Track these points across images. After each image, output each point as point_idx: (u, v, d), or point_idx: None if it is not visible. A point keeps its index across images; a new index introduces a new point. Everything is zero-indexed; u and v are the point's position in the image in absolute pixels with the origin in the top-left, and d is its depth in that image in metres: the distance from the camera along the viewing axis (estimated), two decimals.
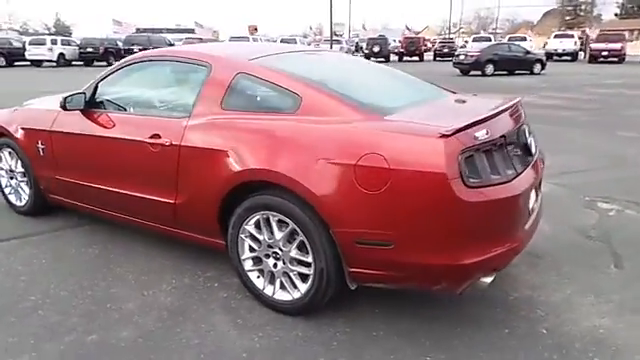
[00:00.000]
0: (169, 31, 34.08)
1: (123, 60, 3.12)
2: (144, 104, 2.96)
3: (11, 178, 3.77)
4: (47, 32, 69.27)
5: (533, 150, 2.48)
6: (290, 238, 2.32)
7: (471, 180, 1.96)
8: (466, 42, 34.87)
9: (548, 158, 2.96)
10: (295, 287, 2.37)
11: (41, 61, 24.24)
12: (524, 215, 2.25)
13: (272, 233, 2.35)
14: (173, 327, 2.36)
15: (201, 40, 26.24)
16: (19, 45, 24.57)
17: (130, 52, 24.72)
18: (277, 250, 2.37)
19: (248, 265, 2.51)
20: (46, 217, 3.69)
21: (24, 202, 3.72)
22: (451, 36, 53.35)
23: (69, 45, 25.30)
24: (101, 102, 3.09)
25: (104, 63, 25.31)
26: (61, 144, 3.22)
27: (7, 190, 3.84)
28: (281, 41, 29.45)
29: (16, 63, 24.55)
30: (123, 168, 2.88)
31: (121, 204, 3.02)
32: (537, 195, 2.62)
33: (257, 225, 2.40)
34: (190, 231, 2.73)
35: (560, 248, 3.24)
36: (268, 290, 2.46)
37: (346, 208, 2.11)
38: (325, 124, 2.21)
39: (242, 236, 2.46)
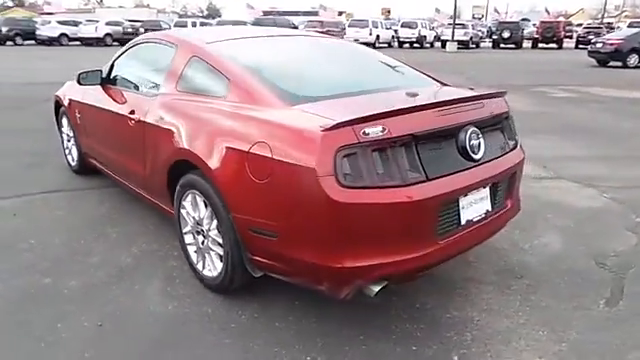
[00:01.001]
0: (295, 14, 35.59)
1: (132, 41, 3.46)
2: (135, 82, 3.25)
3: (68, 141, 4.45)
4: (200, 15, 77.37)
5: (477, 155, 2.17)
6: (212, 218, 2.40)
7: (349, 179, 1.82)
8: (615, 28, 30.03)
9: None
10: (215, 266, 2.46)
11: None
12: (434, 225, 2.00)
13: (199, 211, 2.46)
14: (112, 284, 2.62)
15: (321, 23, 26.87)
16: (167, 27, 27.86)
17: None
18: (204, 228, 2.47)
19: (188, 239, 2.66)
20: (90, 177, 4.28)
21: (74, 163, 4.37)
22: (610, 20, 46.42)
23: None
24: (114, 78, 3.47)
25: None
26: (86, 114, 3.71)
27: (66, 152, 4.54)
28: (402, 25, 28.70)
29: None
30: (117, 138, 3.23)
31: (118, 170, 3.39)
32: (494, 205, 2.30)
33: (191, 202, 2.52)
34: (155, 199, 2.97)
35: (554, 271, 2.79)
36: (199, 265, 2.59)
37: (241, 195, 2.12)
38: (237, 110, 2.22)
39: (182, 211, 2.61)
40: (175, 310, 2.41)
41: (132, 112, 2.91)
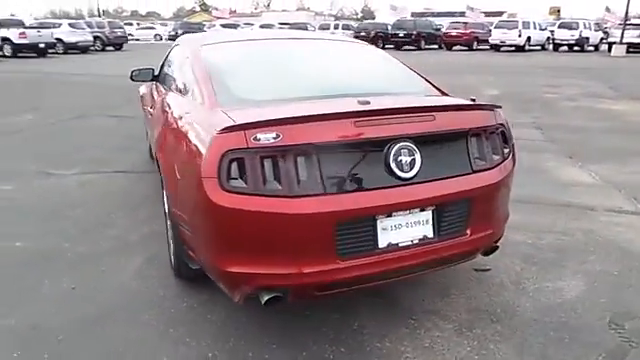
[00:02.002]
0: (440, 15, 34.31)
1: (173, 44, 3.84)
2: (164, 79, 3.58)
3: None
4: (355, 17, 79.71)
5: (406, 173, 1.94)
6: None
7: (233, 184, 1.80)
8: None
9: None
10: (171, 255, 2.64)
11: None
12: (331, 243, 1.85)
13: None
14: (107, 256, 2.98)
15: (465, 25, 25.52)
16: (311, 29, 29.43)
17: (396, 36, 26.23)
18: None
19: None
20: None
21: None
22: None
23: (348, 30, 28.72)
24: (160, 76, 3.90)
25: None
26: (144, 108, 4.24)
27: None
28: (559, 26, 25.64)
29: None
30: (153, 131, 3.64)
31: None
32: (439, 231, 2.04)
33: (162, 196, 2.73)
34: None
35: (543, 322, 2.34)
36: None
37: (172, 189, 2.24)
38: (185, 107, 2.35)
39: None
40: (137, 287, 2.65)
41: (166, 105, 3.26)
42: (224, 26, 31.48)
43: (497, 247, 2.40)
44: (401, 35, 26.05)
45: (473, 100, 2.63)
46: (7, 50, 18.83)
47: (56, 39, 20.60)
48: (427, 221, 2.04)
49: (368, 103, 2.16)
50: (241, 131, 1.80)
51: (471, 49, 25.59)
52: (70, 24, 22.24)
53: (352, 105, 2.09)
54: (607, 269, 2.84)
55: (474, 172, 2.13)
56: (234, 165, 1.80)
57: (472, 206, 2.12)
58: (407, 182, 1.95)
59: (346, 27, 29.17)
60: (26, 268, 2.85)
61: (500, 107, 2.38)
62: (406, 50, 25.80)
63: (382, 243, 1.95)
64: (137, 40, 37.94)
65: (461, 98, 2.62)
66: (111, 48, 24.60)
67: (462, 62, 19.04)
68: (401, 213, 1.97)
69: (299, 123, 1.85)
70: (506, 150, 2.33)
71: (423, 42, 26.08)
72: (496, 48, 24.61)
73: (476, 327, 2.30)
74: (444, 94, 2.66)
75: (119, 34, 24.97)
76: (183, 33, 30.01)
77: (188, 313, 2.42)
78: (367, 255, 1.94)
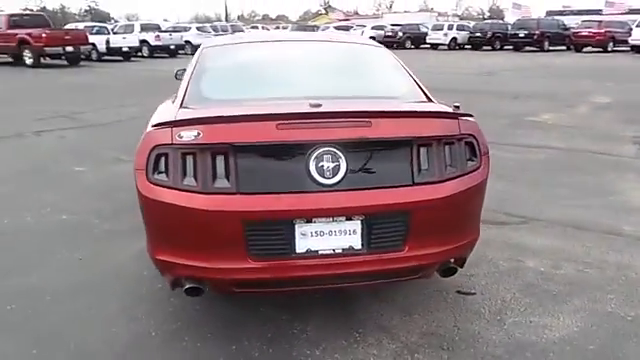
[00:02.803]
0: (580, 13, 30.69)
1: None
2: None
3: None
4: (481, 17, 75.52)
5: (327, 179, 1.87)
6: None
7: (157, 177, 1.91)
8: None
9: None
10: None
11: (437, 44, 27.55)
12: (241, 242, 1.86)
13: None
14: (121, 238, 3.32)
15: (599, 23, 22.63)
16: (425, 30, 28.66)
17: (515, 37, 24.35)
18: None
19: None
20: None
21: None
22: None
23: (463, 30, 27.36)
24: None
25: (489, 47, 26.15)
26: None
27: None
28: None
29: (421, 46, 28.90)
30: None
31: None
32: (369, 244, 1.94)
33: None
34: None
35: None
36: None
37: None
38: (163, 107, 2.53)
39: None
40: (131, 266, 2.93)
41: None
42: (337, 28, 32.21)
43: (455, 269, 2.18)
44: (521, 35, 24.04)
45: (457, 107, 2.42)
46: (145, 51, 21.59)
47: (185, 41, 23.06)
48: (354, 231, 1.95)
49: (319, 106, 2.12)
50: (168, 128, 1.92)
51: (605, 51, 22.59)
52: (198, 28, 24.72)
53: (301, 107, 2.08)
54: (621, 312, 2.39)
55: (416, 184, 1.96)
56: (162, 160, 1.92)
57: (412, 221, 1.97)
58: (329, 188, 1.88)
59: (461, 28, 27.81)
60: (57, 237, 3.33)
61: (470, 115, 2.16)
62: (526, 52, 23.80)
63: (300, 248, 1.92)
64: None
65: (444, 105, 2.43)
66: None
67: (585, 65, 17.04)
68: (323, 220, 1.91)
69: (219, 123, 1.90)
70: (472, 163, 2.10)
71: (547, 43, 23.74)
72: (637, 50, 21.42)
73: (420, 352, 2.12)
74: (430, 100, 2.48)
75: None
76: None
77: (157, 293, 2.61)
78: (282, 259, 1.92)
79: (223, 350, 2.15)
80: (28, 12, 20.65)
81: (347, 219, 1.93)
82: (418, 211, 1.97)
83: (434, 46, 27.94)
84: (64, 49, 16.38)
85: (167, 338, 2.24)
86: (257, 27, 53.18)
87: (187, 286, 1.99)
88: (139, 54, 21.25)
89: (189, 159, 1.89)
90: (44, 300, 2.55)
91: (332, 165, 1.88)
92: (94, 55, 19.01)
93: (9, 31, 16.47)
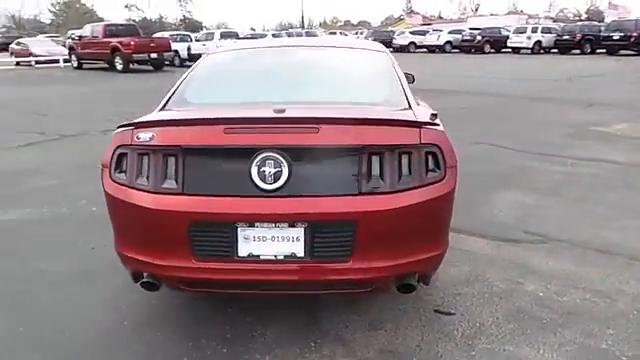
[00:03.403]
0: None
1: None
2: None
3: None
4: (577, 19, 69.90)
5: (269, 185, 1.87)
6: None
7: (117, 175, 2.03)
8: None
9: None
10: None
11: (519, 48, 25.99)
12: (186, 242, 1.91)
13: None
14: None
15: None
16: (506, 33, 27.15)
17: (609, 39, 22.35)
18: None
19: None
20: None
21: None
22: None
23: (549, 33, 25.52)
24: None
25: (578, 51, 24.15)
26: None
27: None
28: None
29: (502, 50, 27.45)
30: None
31: None
32: (312, 252, 1.91)
33: None
34: None
35: None
36: None
37: None
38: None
39: None
40: None
41: None
42: (412, 32, 31.65)
43: (413, 286, 2.06)
44: (616, 38, 21.90)
45: (434, 115, 2.29)
46: None
47: None
48: (297, 238, 1.91)
49: (283, 111, 2.13)
50: (130, 130, 2.03)
51: None
52: (273, 34, 25.57)
53: (266, 112, 2.10)
54: (617, 350, 2.11)
55: (363, 194, 1.89)
56: (123, 159, 2.04)
57: (358, 231, 1.89)
58: (270, 194, 1.88)
59: (546, 30, 25.93)
60: (82, 228, 3.63)
61: (436, 125, 2.03)
62: (622, 56, 21.65)
63: (242, 252, 1.93)
64: None
65: (422, 114, 2.31)
66: None
67: None
68: (265, 225, 1.91)
69: (171, 126, 1.98)
70: (433, 174, 1.98)
71: None
72: None
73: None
74: (409, 108, 2.37)
75: None
76: (374, 40, 31.59)
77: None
78: (224, 261, 1.94)
79: (180, 345, 2.22)
80: (122, 22, 22.64)
81: (290, 226, 1.91)
82: (364, 222, 1.89)
83: (516, 50, 26.41)
84: (149, 56, 17.80)
85: (136, 329, 2.36)
86: (335, 33, 53.95)
87: (142, 280, 2.09)
88: None
89: (144, 159, 1.99)
90: (45, 284, 2.80)
91: (274, 171, 1.87)
92: (177, 61, 20.41)
93: (104, 39, 18.26)
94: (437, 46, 29.01)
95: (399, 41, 30.90)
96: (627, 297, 2.53)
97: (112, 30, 18.71)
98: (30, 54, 21.83)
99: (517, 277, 2.75)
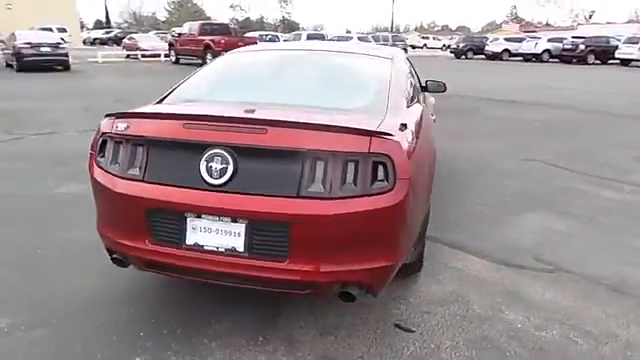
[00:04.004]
0: None
1: None
2: None
3: None
4: None
5: (215, 179, 1.96)
6: None
7: (99, 160, 2.24)
8: None
9: None
10: None
11: (629, 60, 23.43)
12: (144, 225, 2.07)
13: None
14: None
15: None
16: (615, 43, 24.60)
17: None
18: None
19: None
20: None
21: None
22: None
23: None
24: None
25: None
26: None
27: None
28: None
29: (609, 62, 24.96)
30: None
31: None
32: (251, 249, 1.98)
33: None
34: None
35: None
36: None
37: None
38: None
39: None
40: None
41: None
42: (507, 39, 29.91)
43: (352, 296, 2.03)
44: None
45: (404, 126, 2.23)
46: None
47: None
48: (239, 234, 1.99)
49: (253, 112, 2.22)
50: (112, 119, 2.24)
51: None
52: (359, 38, 25.68)
53: (237, 112, 2.21)
54: None
55: (300, 197, 1.91)
56: (105, 145, 2.26)
57: (294, 233, 1.92)
58: (215, 189, 1.97)
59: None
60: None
61: (389, 134, 1.98)
62: None
63: (189, 241, 2.04)
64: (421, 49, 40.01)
65: (390, 123, 2.25)
66: None
67: None
68: (210, 218, 2.01)
69: (142, 118, 2.15)
70: (380, 184, 1.94)
71: None
72: None
73: None
74: (384, 116, 2.32)
75: (399, 47, 27.19)
76: (465, 46, 30.40)
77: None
78: (173, 247, 2.07)
79: (144, 321, 2.39)
80: (217, 22, 24.17)
81: (233, 221, 1.99)
82: (300, 225, 1.91)
83: (625, 62, 23.83)
84: None
85: (118, 299, 2.58)
86: (428, 37, 52.68)
87: (113, 256, 2.30)
88: None
89: (118, 147, 2.19)
90: (62, 251, 3.15)
91: (220, 167, 1.97)
92: None
93: (199, 37, 19.66)
94: (534, 55, 27.11)
95: (492, 48, 29.36)
96: (618, 342, 2.26)
97: (207, 29, 20.08)
98: (137, 48, 24.15)
99: (501, 304, 2.57)
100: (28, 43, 15.54)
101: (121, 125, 2.17)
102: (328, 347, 2.22)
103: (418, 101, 3.34)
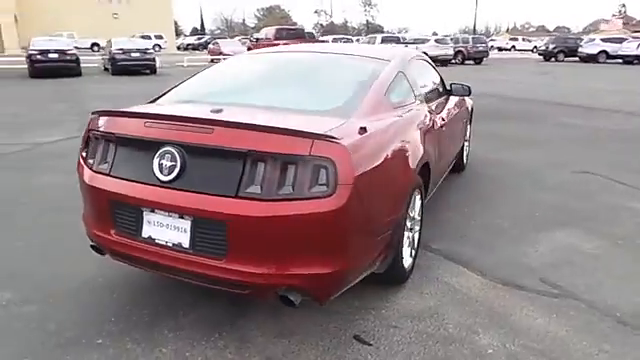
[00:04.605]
0: None
1: None
2: None
3: None
4: None
5: (164, 176, 2.04)
6: None
7: (83, 154, 2.42)
8: None
9: None
10: None
11: None
12: (109, 216, 2.21)
13: None
14: None
15: None
16: None
17: None
18: None
19: None
20: None
21: None
22: None
23: None
24: None
25: None
26: None
27: None
28: None
29: None
30: None
31: None
32: (194, 245, 2.04)
33: None
34: None
35: None
36: None
37: None
38: None
39: None
40: None
41: None
42: (604, 40, 27.21)
43: (290, 301, 1.98)
44: None
45: (363, 129, 2.14)
46: None
47: (422, 53, 23.69)
48: (185, 230, 2.04)
49: (219, 112, 2.29)
50: (96, 116, 2.42)
51: None
52: (436, 40, 24.88)
53: (202, 112, 2.28)
54: None
55: (238, 197, 1.91)
56: (89, 141, 2.44)
57: (231, 233, 1.93)
58: (164, 185, 2.04)
59: None
60: None
61: (333, 138, 1.91)
62: None
63: (145, 234, 2.13)
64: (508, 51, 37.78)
65: (352, 126, 2.17)
66: (471, 62, 25.90)
67: None
68: (162, 213, 2.08)
69: (114, 116, 2.29)
70: (320, 189, 1.89)
71: None
72: None
73: None
74: (350, 118, 2.26)
75: (480, 49, 25.92)
76: (554, 48, 28.17)
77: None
78: (131, 238, 2.17)
79: (120, 306, 2.52)
80: (292, 27, 24.84)
81: (180, 217, 2.05)
82: (236, 225, 1.92)
83: None
84: None
85: (104, 284, 2.76)
86: (516, 39, 49.64)
87: (91, 244, 2.47)
88: None
89: (96, 142, 2.35)
90: (66, 233, 3.35)
91: (169, 164, 2.04)
92: None
93: (274, 42, 20.37)
94: (637, 57, 24.39)
95: (586, 49, 26.86)
96: None
97: (282, 34, 20.77)
98: (220, 52, 25.54)
99: (480, 325, 2.37)
100: (121, 49, 17.16)
101: (101, 122, 2.33)
102: (277, 350, 2.19)
103: (425, 103, 3.19)
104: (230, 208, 1.93)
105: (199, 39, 48.29)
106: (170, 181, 2.04)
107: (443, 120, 3.48)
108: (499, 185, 4.68)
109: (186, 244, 2.05)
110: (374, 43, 23.25)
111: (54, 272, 2.91)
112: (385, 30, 72.34)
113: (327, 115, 2.30)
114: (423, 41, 24.95)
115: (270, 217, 1.88)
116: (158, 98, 2.83)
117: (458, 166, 4.94)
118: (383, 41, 23.10)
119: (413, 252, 2.83)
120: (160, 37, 39.47)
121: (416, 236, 2.88)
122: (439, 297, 2.64)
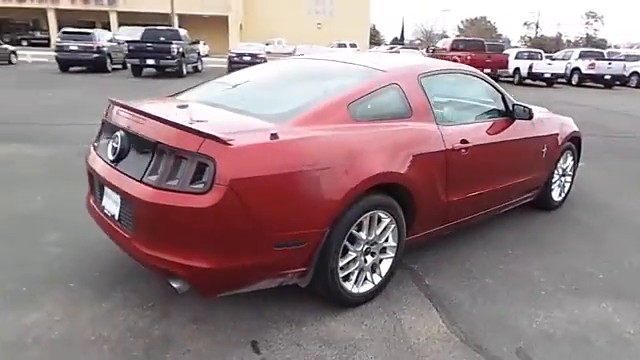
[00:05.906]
0: None
1: None
2: None
3: None
4: None
5: (109, 156, 2.40)
6: None
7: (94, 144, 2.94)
8: None
9: None
10: None
11: None
12: (92, 187, 2.66)
13: None
14: None
15: None
16: None
17: None
18: None
19: None
20: None
21: None
22: None
23: None
24: None
25: None
26: None
27: None
28: None
29: None
30: None
31: None
32: (121, 219, 2.33)
33: None
34: None
35: None
36: None
37: None
38: None
39: None
40: None
41: None
42: None
43: (175, 289, 2.09)
44: None
45: (274, 135, 2.13)
46: (575, 79, 20.13)
47: (632, 72, 19.89)
48: (117, 204, 2.34)
49: (185, 107, 2.59)
50: (109, 105, 2.92)
51: None
52: None
53: (170, 107, 2.62)
54: None
55: (142, 182, 2.12)
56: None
57: (134, 213, 2.16)
58: (111, 164, 2.39)
59: None
60: None
61: (219, 138, 1.96)
62: None
63: (103, 203, 2.50)
64: None
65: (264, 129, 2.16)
66: None
67: None
68: (110, 188, 2.42)
69: (110, 105, 2.74)
70: (198, 185, 1.98)
71: None
72: None
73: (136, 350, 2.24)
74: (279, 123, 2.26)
75: None
76: None
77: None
78: (98, 207, 2.57)
79: (106, 287, 2.71)
80: (472, 38, 23.42)
81: (115, 192, 2.35)
82: (137, 207, 2.14)
83: None
84: (482, 70, 18.02)
85: (94, 262, 3.24)
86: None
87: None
88: (561, 81, 20.10)
89: (102, 127, 2.85)
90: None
91: (115, 147, 2.38)
92: (516, 78, 19.74)
93: (449, 53, 19.67)
94: None
95: None
96: None
97: (458, 45, 19.91)
98: None
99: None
100: (235, 53, 19.24)
101: (108, 112, 2.83)
102: (174, 330, 2.31)
103: (439, 121, 2.86)
104: (134, 191, 2.16)
105: (390, 49, 49.67)
106: (112, 161, 2.39)
107: (479, 144, 3.06)
108: (581, 234, 3.80)
109: (117, 216, 2.36)
110: (569, 58, 20.41)
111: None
112: (608, 45, 62.19)
113: (264, 119, 2.33)
114: (637, 58, 20.81)
115: (155, 204, 2.05)
116: (177, 94, 3.23)
117: (545, 203, 4.19)
118: (581, 56, 20.05)
119: (373, 277, 2.61)
120: (354, 45, 41.91)
121: (386, 263, 2.66)
122: (375, 333, 2.39)
